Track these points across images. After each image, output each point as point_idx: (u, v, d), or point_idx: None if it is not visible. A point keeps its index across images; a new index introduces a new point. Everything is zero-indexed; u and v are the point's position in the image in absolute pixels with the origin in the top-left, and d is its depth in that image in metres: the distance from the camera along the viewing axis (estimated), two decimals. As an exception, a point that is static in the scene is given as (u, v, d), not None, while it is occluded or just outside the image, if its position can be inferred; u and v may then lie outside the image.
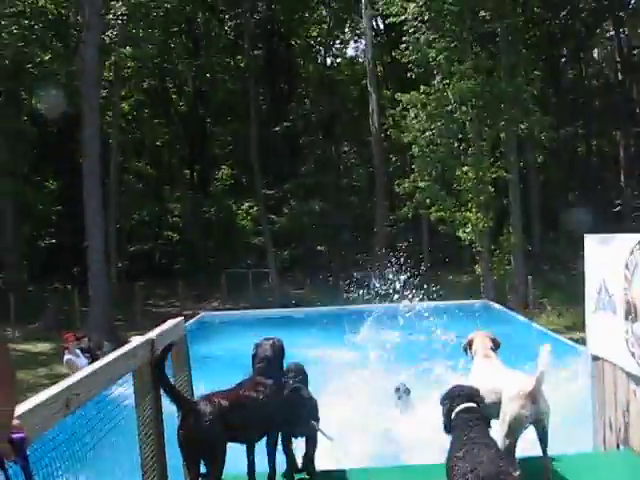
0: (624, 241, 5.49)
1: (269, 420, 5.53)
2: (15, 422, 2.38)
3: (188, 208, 37.06)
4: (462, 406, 4.52)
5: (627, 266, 5.40)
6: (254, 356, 5.67)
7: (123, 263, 33.46)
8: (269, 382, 5.51)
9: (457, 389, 4.76)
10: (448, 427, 4.58)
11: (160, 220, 37.03)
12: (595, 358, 5.31)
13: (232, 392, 5.48)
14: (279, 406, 5.55)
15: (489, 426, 4.56)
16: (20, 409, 2.89)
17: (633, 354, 5.41)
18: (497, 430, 5.61)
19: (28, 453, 2.43)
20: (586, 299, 5.48)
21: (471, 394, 4.67)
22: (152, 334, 5.22)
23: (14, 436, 2.34)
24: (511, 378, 5.68)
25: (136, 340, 4.96)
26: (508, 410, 5.43)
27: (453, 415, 4.54)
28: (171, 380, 5.73)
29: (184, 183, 39.73)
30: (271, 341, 5.66)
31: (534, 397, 5.36)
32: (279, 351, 5.68)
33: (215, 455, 5.05)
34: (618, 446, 6.13)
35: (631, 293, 5.32)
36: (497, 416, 5.70)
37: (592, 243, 5.46)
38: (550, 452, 5.45)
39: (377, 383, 11.11)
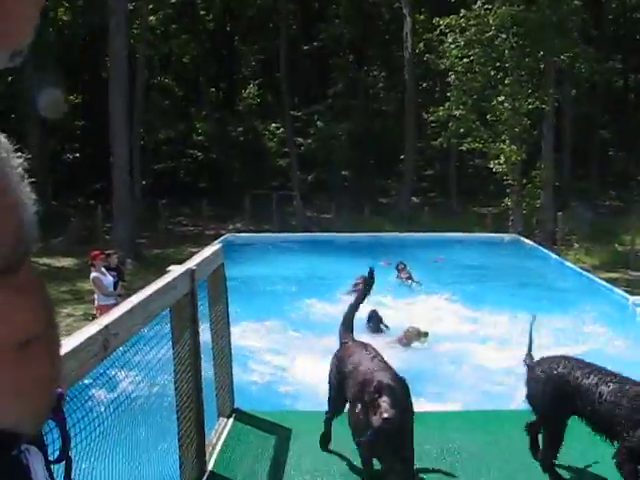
0: None
1: None
2: None
3: (213, 127, 36.46)
4: None
5: None
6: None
7: (147, 181, 33.15)
8: None
9: None
10: None
11: (185, 138, 36.45)
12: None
13: None
14: None
15: None
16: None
17: None
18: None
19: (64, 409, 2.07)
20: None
21: None
22: (192, 264, 4.79)
23: None
24: None
25: (175, 270, 4.54)
26: None
27: None
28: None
29: (210, 101, 38.99)
30: None
31: None
32: None
33: None
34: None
35: None
36: None
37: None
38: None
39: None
